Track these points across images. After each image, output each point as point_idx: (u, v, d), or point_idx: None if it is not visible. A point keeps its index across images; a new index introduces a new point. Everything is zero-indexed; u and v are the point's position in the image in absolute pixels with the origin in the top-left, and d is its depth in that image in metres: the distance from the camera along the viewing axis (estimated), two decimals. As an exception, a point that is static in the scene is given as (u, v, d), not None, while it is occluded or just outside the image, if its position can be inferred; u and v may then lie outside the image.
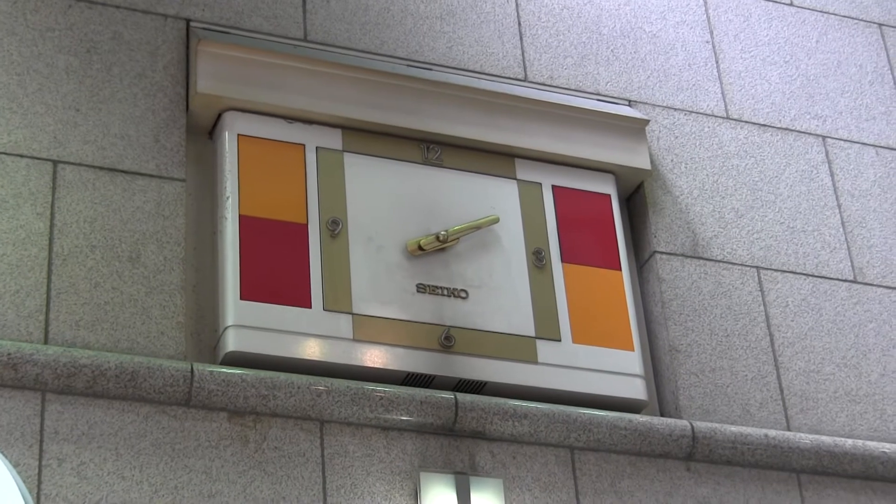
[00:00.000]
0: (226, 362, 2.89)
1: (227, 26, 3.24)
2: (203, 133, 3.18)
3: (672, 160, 3.56)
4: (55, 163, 2.95)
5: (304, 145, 3.15)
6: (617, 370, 3.16)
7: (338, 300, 3.00)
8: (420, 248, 3.13)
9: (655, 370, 3.31)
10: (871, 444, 3.28)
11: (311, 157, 3.14)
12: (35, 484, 2.62)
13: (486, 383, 3.06)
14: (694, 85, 3.69)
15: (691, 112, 3.64)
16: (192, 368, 2.80)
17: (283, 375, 2.87)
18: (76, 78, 3.07)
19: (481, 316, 3.11)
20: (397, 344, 3.00)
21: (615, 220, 3.36)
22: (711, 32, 3.77)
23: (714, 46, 3.75)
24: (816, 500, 3.20)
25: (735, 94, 3.71)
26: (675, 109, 3.62)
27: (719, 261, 3.45)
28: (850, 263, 3.57)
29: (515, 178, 3.31)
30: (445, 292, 3.11)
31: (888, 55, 3.93)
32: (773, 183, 3.63)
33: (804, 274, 3.51)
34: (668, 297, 3.35)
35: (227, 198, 3.05)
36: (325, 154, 3.16)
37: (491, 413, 2.98)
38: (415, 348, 3.01)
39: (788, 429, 3.28)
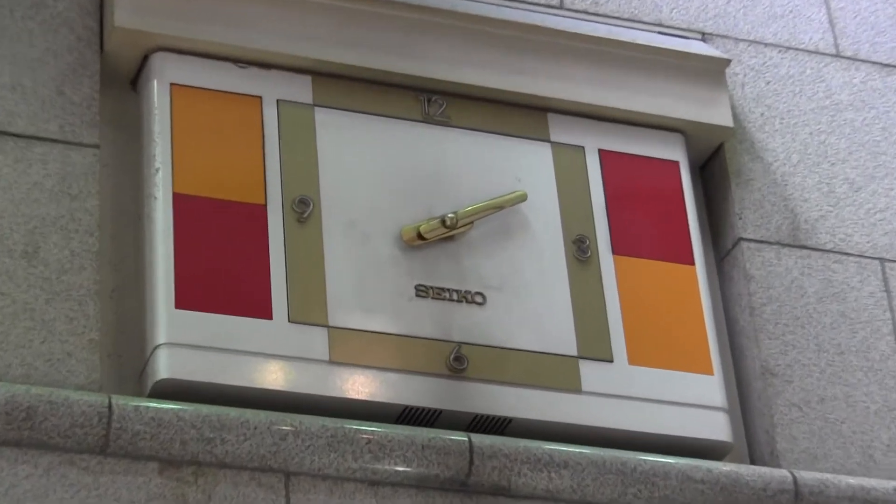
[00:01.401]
0: (156, 394, 2.66)
1: (155, -62, 3.07)
2: (124, 82, 2.95)
3: (762, 114, 3.29)
4: (-79, 124, 2.78)
5: (260, 98, 2.93)
6: (690, 401, 2.91)
7: (308, 309, 2.77)
8: (420, 236, 2.89)
9: (743, 401, 3.07)
10: None
11: (270, 114, 2.91)
12: None
13: (510, 420, 2.79)
14: (791, 11, 3.43)
15: (788, 48, 3.38)
16: (109, 403, 2.55)
17: (233, 411, 2.61)
18: (-52, 10, 2.87)
19: (503, 328, 2.87)
20: (390, 367, 2.77)
21: (685, 196, 3.12)
22: (816, -60, 3.61)
23: (819, -41, 3.58)
24: (965, 580, 2.98)
25: (848, 23, 3.46)
26: (766, 45, 3.37)
27: (829, 250, 3.19)
28: None
29: (549, 140, 3.06)
30: (455, 296, 2.87)
31: None
32: (901, 144, 3.47)
33: (945, 269, 3.34)
34: (758, 301, 3.09)
35: (157, 170, 2.81)
36: (289, 109, 2.93)
37: (518, 461, 2.71)
38: (414, 373, 2.78)
39: (928, 480, 3.08)
